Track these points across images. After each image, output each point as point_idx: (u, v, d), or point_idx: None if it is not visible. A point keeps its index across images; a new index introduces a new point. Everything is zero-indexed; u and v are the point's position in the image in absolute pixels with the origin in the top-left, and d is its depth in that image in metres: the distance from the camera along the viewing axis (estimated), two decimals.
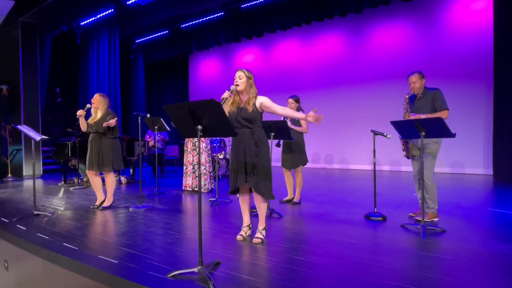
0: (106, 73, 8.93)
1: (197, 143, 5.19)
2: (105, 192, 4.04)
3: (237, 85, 2.47)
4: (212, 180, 5.45)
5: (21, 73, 7.48)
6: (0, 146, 7.76)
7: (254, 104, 2.44)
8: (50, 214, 3.61)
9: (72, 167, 6.34)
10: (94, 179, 3.86)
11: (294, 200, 4.11)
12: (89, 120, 3.85)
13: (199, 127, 1.90)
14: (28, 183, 6.59)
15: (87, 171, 3.82)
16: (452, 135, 2.61)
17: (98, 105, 3.79)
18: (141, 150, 6.53)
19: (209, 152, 5.36)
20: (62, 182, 6.15)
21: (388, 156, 7.93)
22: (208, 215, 3.57)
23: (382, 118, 8.02)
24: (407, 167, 7.45)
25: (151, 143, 7.17)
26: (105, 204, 3.93)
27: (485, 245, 2.46)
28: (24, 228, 3.07)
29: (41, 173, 7.78)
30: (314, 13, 7.09)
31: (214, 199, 4.25)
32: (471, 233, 2.78)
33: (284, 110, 2.45)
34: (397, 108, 7.89)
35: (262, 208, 2.56)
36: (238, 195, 2.65)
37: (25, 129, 3.53)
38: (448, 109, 3.17)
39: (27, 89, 7.59)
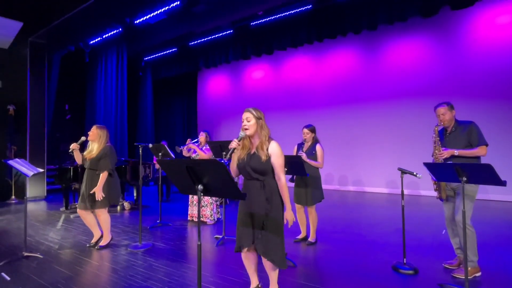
0: (114, 91, 8.81)
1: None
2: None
3: (246, 129, 2.09)
4: (219, 209, 5.07)
5: (28, 93, 7.39)
6: (4, 167, 7.61)
7: (268, 149, 2.07)
8: (40, 256, 3.29)
9: (74, 189, 6.11)
10: (87, 217, 3.55)
11: (309, 240, 3.69)
12: (85, 153, 3.53)
13: (200, 187, 1.56)
14: (30, 207, 6.36)
15: (78, 210, 3.50)
16: (503, 183, 2.19)
17: (94, 138, 3.48)
18: (142, 177, 6.23)
19: None
20: (64, 208, 5.89)
21: (405, 178, 7.41)
22: (212, 261, 3.18)
23: (397, 137, 7.58)
24: (427, 191, 6.92)
25: (157, 166, 6.91)
26: (102, 243, 3.60)
27: None
28: (9, 279, 2.75)
29: (45, 194, 7.57)
30: (326, 30, 6.80)
31: (220, 236, 3.87)
32: None
33: (280, 181, 2.08)
34: (413, 127, 7.46)
35: (273, 274, 2.17)
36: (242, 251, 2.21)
37: (17, 164, 3.27)
38: (487, 145, 2.76)
39: (34, 109, 7.49)
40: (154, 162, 6.98)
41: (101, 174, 3.40)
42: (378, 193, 7.69)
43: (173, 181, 1.70)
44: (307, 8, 6.77)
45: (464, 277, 2.51)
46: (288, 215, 2.07)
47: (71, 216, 5.37)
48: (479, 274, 2.72)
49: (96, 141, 3.48)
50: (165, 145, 4.81)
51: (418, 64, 7.36)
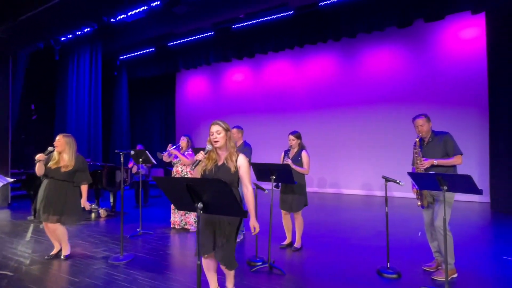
0: (87, 91, 8.35)
1: (187, 168, 4.66)
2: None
3: (216, 141, 2.12)
4: None
5: None
6: None
7: (236, 161, 2.12)
8: (10, 273, 3.04)
9: None
10: (58, 229, 3.37)
11: (295, 245, 3.73)
12: (51, 164, 3.27)
13: (200, 205, 1.51)
14: None
15: (44, 223, 3.31)
16: (480, 192, 2.35)
17: (62, 148, 3.27)
18: (125, 182, 5.97)
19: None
20: (32, 217, 5.49)
21: (380, 180, 7.73)
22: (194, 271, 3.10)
23: (374, 141, 7.89)
24: (401, 192, 7.26)
25: (134, 170, 6.66)
26: (67, 253, 3.43)
27: None
28: None
29: (9, 201, 7.01)
30: (307, 36, 6.92)
31: None
32: None
33: (248, 190, 2.12)
34: (389, 131, 7.82)
35: (230, 274, 2.28)
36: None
37: None
38: (462, 154, 2.95)
39: None
40: (130, 166, 6.71)
41: (82, 186, 3.35)
42: (354, 195, 7.96)
43: (170, 198, 1.64)
44: (289, 14, 6.85)
45: (443, 279, 2.67)
46: (253, 223, 2.13)
47: (41, 225, 5.00)
48: (455, 275, 2.89)
49: (64, 151, 3.28)
50: (145, 150, 4.65)
51: (394, 71, 7.72)
